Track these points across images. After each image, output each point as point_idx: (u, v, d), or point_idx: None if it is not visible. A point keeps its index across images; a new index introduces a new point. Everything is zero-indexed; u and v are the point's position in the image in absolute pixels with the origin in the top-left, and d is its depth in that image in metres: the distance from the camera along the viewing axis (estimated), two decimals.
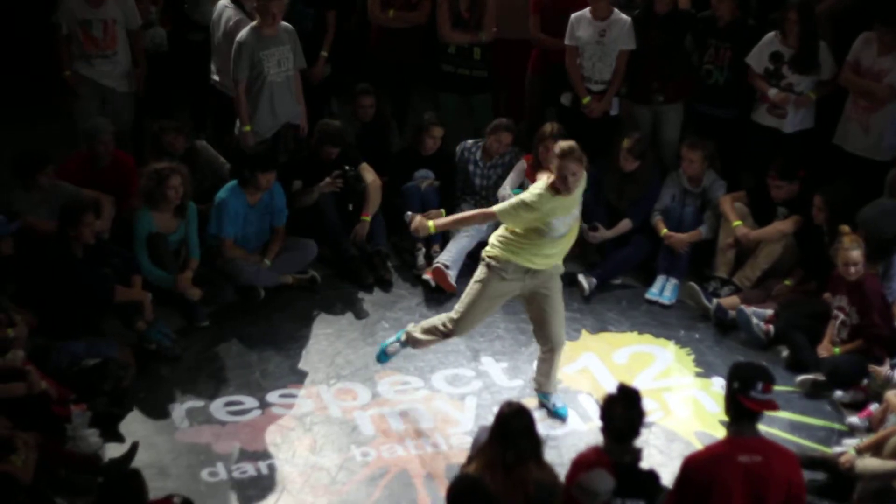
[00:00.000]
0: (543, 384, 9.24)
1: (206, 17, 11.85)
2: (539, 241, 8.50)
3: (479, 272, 8.76)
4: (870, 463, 8.21)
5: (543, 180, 8.49)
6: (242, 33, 10.76)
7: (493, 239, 8.75)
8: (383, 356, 9.37)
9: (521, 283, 8.71)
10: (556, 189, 8.35)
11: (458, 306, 8.87)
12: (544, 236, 8.48)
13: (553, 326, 8.91)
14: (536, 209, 8.35)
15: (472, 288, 8.78)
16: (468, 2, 11.71)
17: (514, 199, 8.50)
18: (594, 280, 10.78)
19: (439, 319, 8.99)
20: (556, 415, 9.22)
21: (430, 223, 8.84)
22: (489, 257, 8.68)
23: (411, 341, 9.18)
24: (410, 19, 12.00)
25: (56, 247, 9.55)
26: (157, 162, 10.42)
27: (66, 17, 11.17)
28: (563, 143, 8.43)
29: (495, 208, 8.64)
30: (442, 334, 8.97)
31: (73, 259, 9.53)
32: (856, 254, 9.34)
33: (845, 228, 9.49)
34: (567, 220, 8.53)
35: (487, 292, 8.71)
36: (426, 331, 9.06)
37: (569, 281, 10.61)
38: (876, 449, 8.29)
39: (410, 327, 9.20)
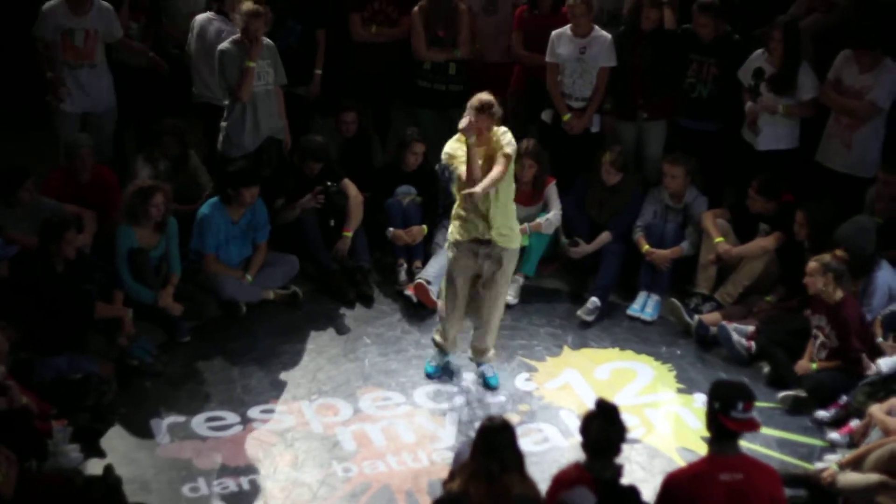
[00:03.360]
0: (477, 354, 9.72)
1: (186, 32, 11.88)
2: (468, 206, 9.08)
3: (446, 254, 9.50)
4: (851, 477, 8.22)
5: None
6: (224, 43, 10.74)
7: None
8: (429, 367, 9.81)
9: (476, 257, 9.24)
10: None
11: (441, 303, 9.57)
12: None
13: (489, 302, 9.42)
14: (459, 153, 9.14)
15: (443, 282, 9.43)
16: (444, 21, 11.74)
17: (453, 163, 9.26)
18: (596, 300, 10.72)
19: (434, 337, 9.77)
20: (487, 383, 9.66)
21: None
22: (449, 237, 9.40)
23: (440, 346, 9.75)
24: (392, 35, 12.03)
25: (38, 262, 9.53)
26: (148, 160, 10.66)
27: (49, 28, 11.15)
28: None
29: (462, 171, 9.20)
30: (443, 316, 9.63)
31: (55, 274, 9.51)
32: (813, 265, 9.40)
33: (838, 253, 9.51)
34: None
35: (454, 265, 9.31)
36: (441, 329, 9.69)
37: (573, 300, 10.91)
38: (856, 464, 8.31)
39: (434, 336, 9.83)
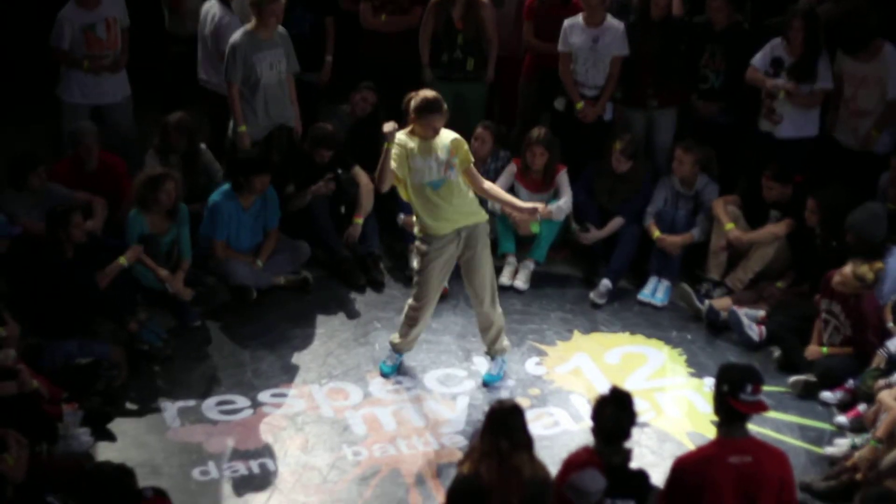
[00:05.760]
0: (490, 347, 9.57)
1: (186, 29, 11.96)
2: (422, 198, 9.00)
3: (416, 262, 9.28)
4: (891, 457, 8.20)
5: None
6: (236, 36, 10.77)
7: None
8: (385, 367, 9.64)
9: (453, 247, 9.13)
10: (413, 133, 9.00)
11: (415, 279, 9.31)
12: (420, 186, 8.96)
13: (478, 279, 9.25)
14: (399, 153, 8.95)
15: (420, 258, 9.21)
16: (462, 11, 11.66)
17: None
18: (608, 282, 10.74)
19: (406, 307, 9.48)
20: (484, 381, 9.59)
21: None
22: (417, 232, 9.20)
23: (398, 346, 9.57)
24: (402, 23, 12.02)
25: (47, 248, 9.55)
26: (158, 152, 10.74)
27: (67, 33, 11.15)
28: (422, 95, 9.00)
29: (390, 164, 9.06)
30: (413, 312, 9.36)
31: (65, 259, 9.53)
32: (848, 273, 9.38)
33: (877, 265, 9.50)
34: (431, 164, 8.94)
35: (430, 255, 9.12)
36: (403, 327, 9.48)
37: (583, 285, 10.92)
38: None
39: (392, 336, 9.60)
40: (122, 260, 9.86)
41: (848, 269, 9.42)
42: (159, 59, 12.29)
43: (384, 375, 9.60)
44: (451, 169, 8.98)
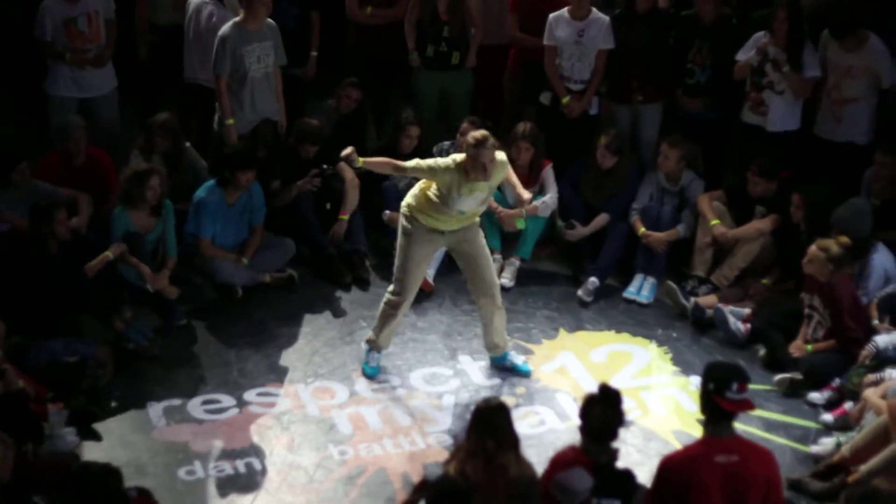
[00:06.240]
0: (497, 343, 9.56)
1: (163, 19, 11.92)
2: (443, 208, 9.01)
3: (401, 227, 9.27)
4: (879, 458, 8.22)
5: (460, 157, 8.94)
6: (225, 28, 10.75)
7: (409, 193, 9.30)
8: (368, 369, 9.58)
9: (441, 237, 9.21)
10: (465, 170, 8.85)
11: (395, 272, 9.32)
12: (447, 205, 8.98)
13: (483, 272, 9.30)
14: (438, 175, 8.90)
15: (400, 247, 9.22)
16: (448, 3, 11.66)
17: (428, 161, 9.10)
18: (595, 280, 10.73)
19: (383, 302, 9.43)
20: (520, 371, 9.53)
21: (360, 159, 9.22)
22: (406, 210, 9.20)
23: (375, 344, 9.52)
24: (388, 16, 11.98)
25: (31, 244, 9.52)
26: (142, 152, 10.67)
27: (49, 25, 11.11)
28: (477, 133, 8.87)
29: (408, 163, 9.15)
30: (391, 307, 9.33)
31: (49, 256, 9.50)
32: (815, 252, 9.40)
33: (842, 239, 9.50)
34: (469, 202, 8.98)
35: (414, 245, 9.19)
36: (379, 323, 9.44)
37: (569, 283, 10.92)
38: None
39: (368, 335, 9.57)
40: (108, 253, 9.81)
41: (813, 250, 9.43)
42: (132, 49, 12.20)
43: (369, 377, 9.56)
44: (484, 204, 9.18)
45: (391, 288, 9.36)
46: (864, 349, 9.19)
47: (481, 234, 9.37)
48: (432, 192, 9.03)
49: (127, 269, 10.05)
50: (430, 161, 9.08)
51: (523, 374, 9.59)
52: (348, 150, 9.16)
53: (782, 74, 10.69)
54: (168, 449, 8.75)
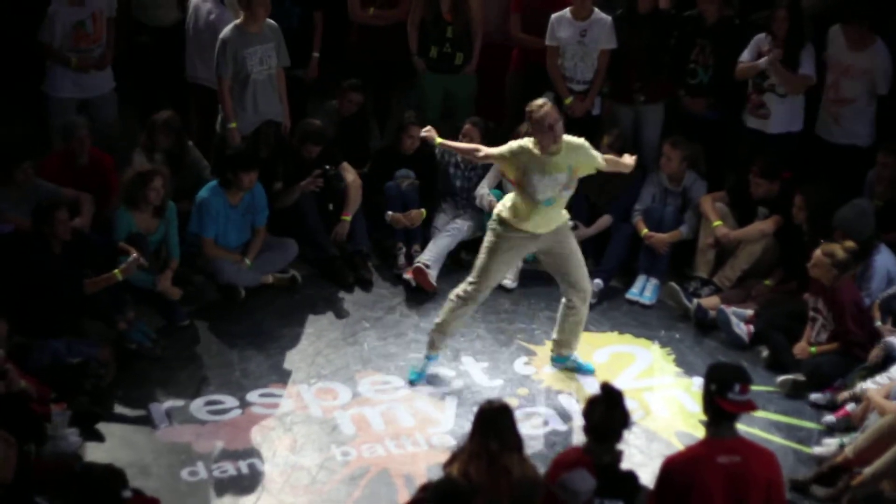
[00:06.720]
0: (566, 343, 9.58)
1: (155, 19, 11.92)
2: (529, 203, 8.95)
3: (487, 237, 9.22)
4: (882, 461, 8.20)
5: (529, 139, 9.04)
6: (226, 31, 10.74)
7: (500, 203, 9.25)
8: (416, 375, 9.55)
9: (532, 242, 9.16)
10: (539, 146, 8.89)
11: (474, 273, 9.22)
12: (532, 198, 8.90)
13: (576, 272, 9.31)
14: (515, 155, 8.95)
15: (486, 249, 9.16)
16: (450, 3, 11.65)
17: (501, 147, 9.17)
18: (600, 282, 10.72)
19: (451, 298, 9.31)
20: (583, 370, 9.63)
21: (438, 140, 9.47)
22: (496, 221, 9.14)
23: (434, 345, 9.47)
24: (391, 17, 11.98)
25: (33, 244, 9.52)
26: (145, 150, 10.67)
27: (58, 30, 11.11)
28: (534, 102, 8.98)
29: (483, 148, 9.35)
30: (461, 300, 9.23)
31: (52, 256, 9.49)
32: (820, 257, 9.39)
33: (848, 244, 9.49)
34: (549, 185, 8.88)
35: (502, 251, 9.14)
36: (444, 319, 9.33)
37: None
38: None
39: (431, 334, 9.48)
40: (118, 273, 9.69)
41: (818, 250, 9.42)
42: (128, 49, 12.21)
43: (412, 383, 9.51)
44: (567, 190, 9.05)
45: (465, 287, 9.23)
46: (874, 349, 9.19)
47: (572, 234, 9.42)
48: (516, 195, 9.05)
49: None
50: (503, 147, 9.14)
51: (588, 373, 9.64)
52: (428, 130, 9.28)
53: (774, 69, 10.69)
54: (171, 450, 8.75)
